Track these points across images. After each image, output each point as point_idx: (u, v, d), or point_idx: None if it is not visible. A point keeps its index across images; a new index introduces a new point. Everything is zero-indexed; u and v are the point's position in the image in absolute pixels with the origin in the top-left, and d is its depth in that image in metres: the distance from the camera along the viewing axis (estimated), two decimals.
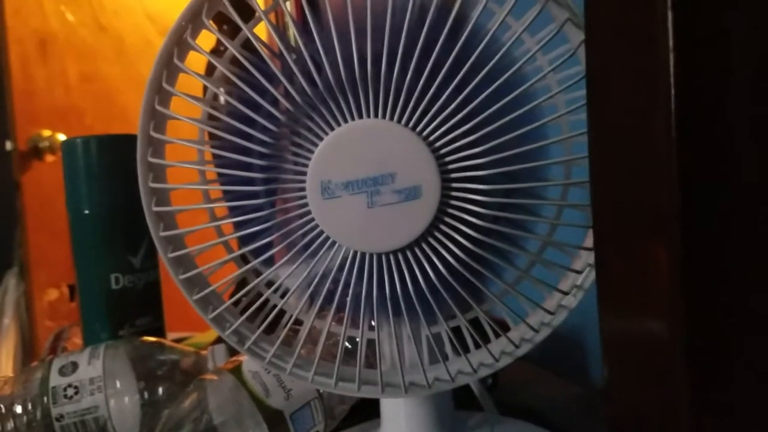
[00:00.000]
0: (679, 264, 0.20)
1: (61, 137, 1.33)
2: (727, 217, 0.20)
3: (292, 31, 0.32)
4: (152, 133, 0.33)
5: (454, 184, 0.31)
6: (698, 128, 0.19)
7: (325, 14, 0.31)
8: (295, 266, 0.33)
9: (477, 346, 0.35)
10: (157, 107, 0.33)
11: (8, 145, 1.32)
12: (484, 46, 0.30)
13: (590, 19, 0.23)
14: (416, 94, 0.30)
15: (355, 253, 0.32)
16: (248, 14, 0.32)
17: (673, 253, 0.20)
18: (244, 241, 0.34)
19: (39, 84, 1.34)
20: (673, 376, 0.21)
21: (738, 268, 0.20)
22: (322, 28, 0.30)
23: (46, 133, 1.33)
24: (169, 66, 0.32)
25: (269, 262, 0.34)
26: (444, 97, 0.30)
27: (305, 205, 0.31)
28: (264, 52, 0.31)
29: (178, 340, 0.60)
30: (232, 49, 0.31)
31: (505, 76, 0.30)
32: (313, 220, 0.32)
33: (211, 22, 0.32)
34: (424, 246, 0.31)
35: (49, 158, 1.33)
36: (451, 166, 0.31)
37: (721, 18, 0.19)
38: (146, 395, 0.45)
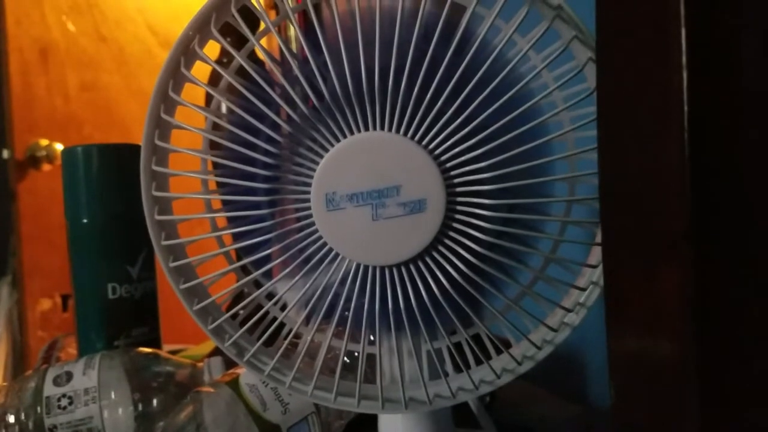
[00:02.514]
0: (689, 285, 0.20)
1: (59, 147, 1.33)
2: (738, 238, 0.20)
3: (297, 44, 0.32)
4: (157, 142, 0.33)
5: (459, 198, 0.31)
6: (711, 148, 0.19)
7: (331, 27, 0.31)
8: (296, 279, 0.32)
9: (477, 362, 0.35)
10: (163, 116, 0.33)
11: (5, 154, 1.31)
12: (490, 62, 0.30)
13: (602, 37, 0.23)
14: (423, 107, 0.30)
15: (358, 265, 0.32)
16: (252, 27, 0.32)
17: (683, 273, 0.20)
18: (245, 252, 0.34)
19: (38, 93, 1.34)
20: (683, 398, 0.20)
21: (749, 289, 0.20)
22: (328, 41, 0.30)
23: (44, 142, 1.33)
24: (175, 75, 0.32)
25: (270, 273, 0.34)
26: (450, 111, 0.30)
27: (309, 216, 0.31)
28: (271, 64, 0.31)
29: (173, 352, 0.59)
30: (240, 59, 0.31)
31: (511, 92, 0.30)
32: (316, 231, 0.31)
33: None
34: (428, 260, 0.31)
35: (46, 167, 1.32)
36: (456, 180, 0.30)
37: (734, 35, 0.19)
38: (141, 407, 0.45)
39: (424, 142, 0.30)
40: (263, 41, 0.33)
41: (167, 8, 1.45)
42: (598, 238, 0.33)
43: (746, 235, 0.20)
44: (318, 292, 0.32)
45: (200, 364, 0.49)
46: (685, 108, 0.19)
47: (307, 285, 0.32)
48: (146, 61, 1.44)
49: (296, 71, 0.30)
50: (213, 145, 0.34)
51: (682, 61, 0.19)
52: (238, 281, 0.35)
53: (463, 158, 0.30)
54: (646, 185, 0.21)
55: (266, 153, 0.32)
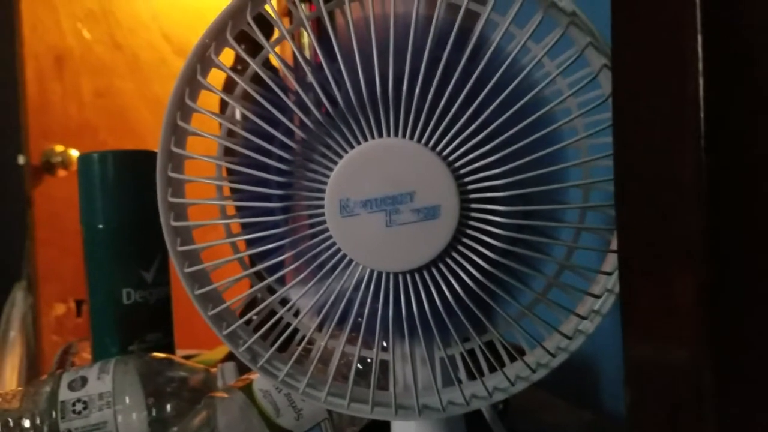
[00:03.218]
0: (705, 291, 0.20)
1: (74, 153, 1.34)
2: (755, 245, 0.20)
3: (310, 50, 0.32)
4: (173, 149, 0.33)
5: (473, 205, 0.31)
6: (727, 154, 0.19)
7: (345, 34, 0.31)
8: (310, 285, 0.33)
9: (491, 369, 0.35)
10: (179, 123, 0.33)
11: (21, 160, 1.33)
12: (505, 69, 0.30)
13: (616, 44, 0.23)
14: (437, 114, 0.30)
15: (372, 272, 0.32)
16: (266, 34, 0.33)
17: (699, 279, 0.20)
18: (259, 258, 0.34)
19: (53, 99, 1.35)
20: (698, 404, 0.20)
21: (765, 295, 0.20)
22: (342, 48, 0.30)
23: (59, 148, 1.34)
24: (191, 82, 0.33)
25: (284, 280, 0.34)
26: (464, 118, 0.30)
27: (323, 222, 0.31)
28: (285, 71, 0.31)
29: (187, 358, 0.60)
30: (255, 66, 0.32)
31: (525, 99, 0.30)
32: (330, 238, 0.32)
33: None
34: (442, 266, 0.31)
35: (62, 173, 1.34)
36: (469, 187, 0.30)
37: (750, 41, 0.19)
38: (154, 412, 0.45)
39: (437, 149, 0.30)
40: (277, 48, 0.33)
41: (181, 16, 1.46)
42: (613, 245, 0.33)
43: (762, 241, 0.20)
44: (331, 299, 0.33)
45: (214, 370, 0.49)
46: (701, 114, 0.19)
47: (321, 291, 0.32)
48: (160, 68, 1.45)
49: (310, 78, 0.31)
50: (228, 152, 0.34)
51: (699, 68, 0.18)
52: (251, 287, 0.35)
53: (476, 165, 0.30)
54: (662, 192, 0.21)
55: (280, 159, 0.32)
